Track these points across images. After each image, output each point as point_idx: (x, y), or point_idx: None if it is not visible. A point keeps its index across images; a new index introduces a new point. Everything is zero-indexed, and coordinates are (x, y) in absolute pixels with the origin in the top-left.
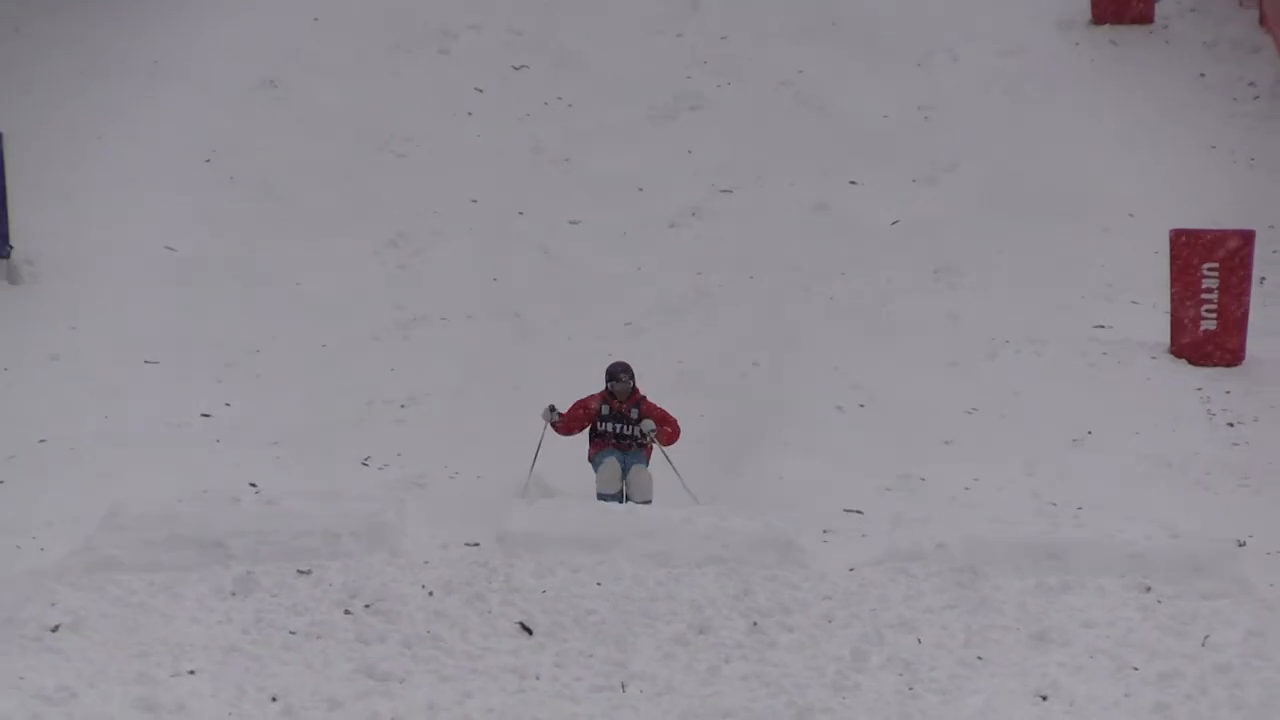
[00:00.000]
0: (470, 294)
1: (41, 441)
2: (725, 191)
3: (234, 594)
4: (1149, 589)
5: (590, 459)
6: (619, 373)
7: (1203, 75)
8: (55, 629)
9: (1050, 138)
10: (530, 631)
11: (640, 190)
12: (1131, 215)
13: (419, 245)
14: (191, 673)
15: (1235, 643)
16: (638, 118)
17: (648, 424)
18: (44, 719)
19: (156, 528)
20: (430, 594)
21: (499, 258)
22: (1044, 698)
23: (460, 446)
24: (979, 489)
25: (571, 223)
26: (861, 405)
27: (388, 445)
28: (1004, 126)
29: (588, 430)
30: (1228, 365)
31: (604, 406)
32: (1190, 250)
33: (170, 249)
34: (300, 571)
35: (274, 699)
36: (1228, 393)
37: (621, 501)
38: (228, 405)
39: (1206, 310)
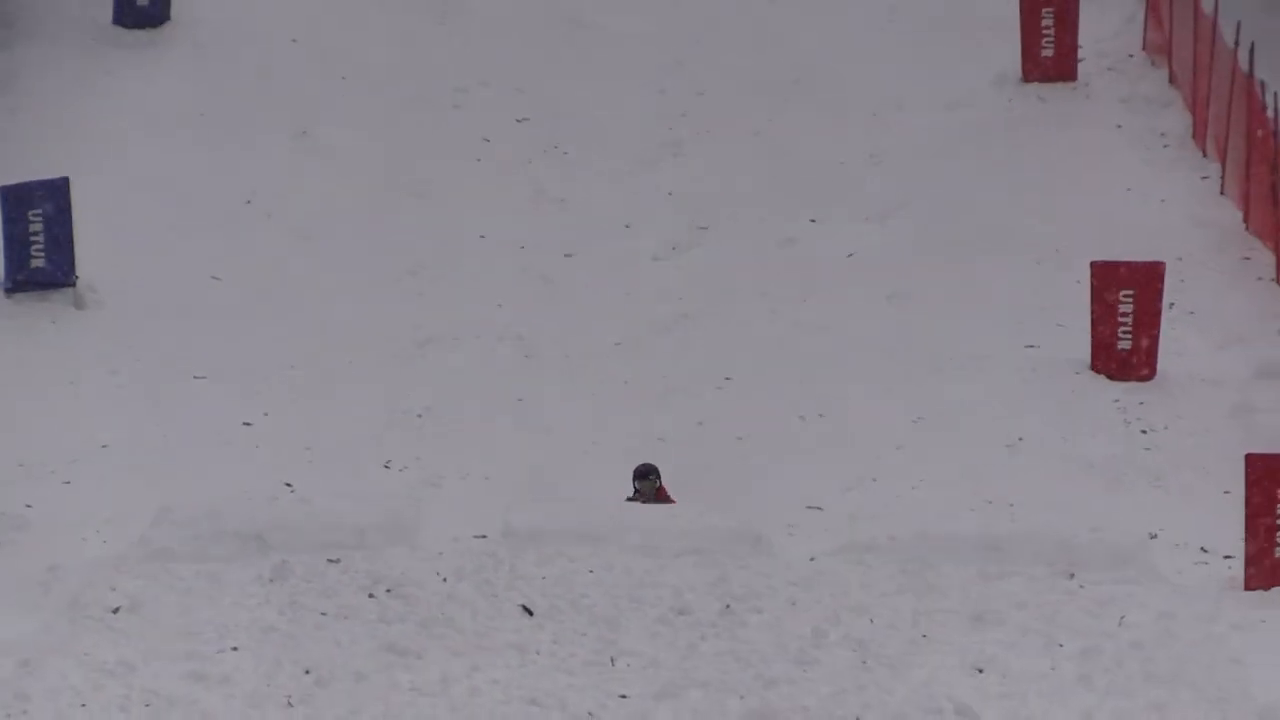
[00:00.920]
0: (479, 317)
1: (103, 447)
2: (702, 228)
3: (271, 580)
4: (1073, 576)
5: None
6: (647, 474)
7: (1119, 126)
8: (116, 611)
9: (986, 181)
10: (531, 613)
11: (627, 227)
12: (1057, 250)
13: (434, 275)
14: (235, 649)
15: (1147, 622)
16: (626, 163)
17: None
18: (106, 689)
19: (204, 523)
20: (444, 580)
21: (504, 286)
22: (980, 670)
23: (470, 451)
24: (925, 489)
25: (567, 255)
26: (821, 415)
27: (407, 450)
28: (946, 171)
29: None
30: (1141, 380)
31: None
32: (1108, 279)
33: (215, 278)
34: (330, 561)
35: (307, 671)
36: (1141, 404)
37: None
38: (265, 415)
39: (1123, 332)
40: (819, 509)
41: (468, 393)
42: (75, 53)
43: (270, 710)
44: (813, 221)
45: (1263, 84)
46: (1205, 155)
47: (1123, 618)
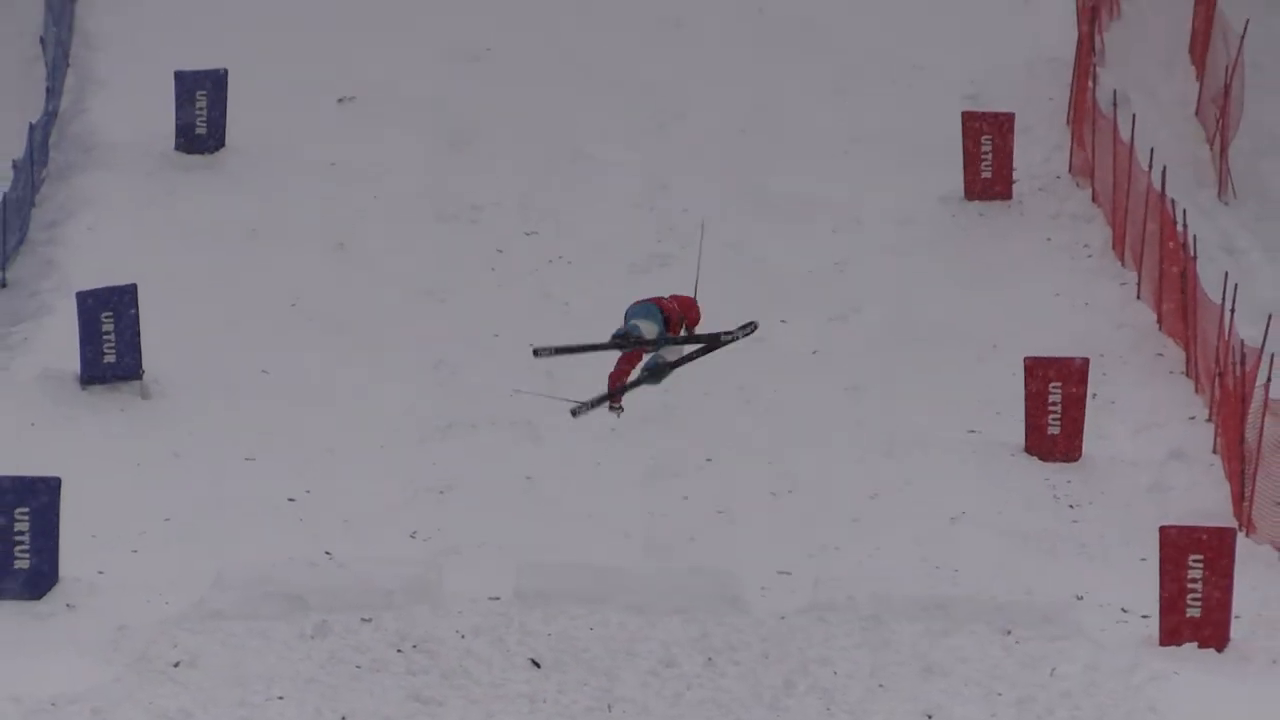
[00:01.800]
0: (494, 406)
1: (166, 519)
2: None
3: (313, 637)
4: (1009, 633)
5: None
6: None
7: (1049, 239)
8: (177, 665)
9: (934, 286)
10: (539, 665)
11: None
12: (995, 346)
13: (455, 368)
14: (280, 698)
15: (1075, 674)
16: (620, 272)
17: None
18: None
19: (254, 586)
20: (462, 637)
21: (515, 377)
22: (930, 717)
23: (486, 522)
24: (880, 555)
25: None
26: (790, 491)
27: (430, 522)
28: (899, 277)
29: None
30: (1069, 461)
31: None
32: (1040, 373)
33: (264, 372)
34: (363, 619)
35: (343, 718)
36: (1069, 482)
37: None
38: (307, 492)
39: (1052, 419)
40: (788, 573)
41: (484, 471)
42: (143, 175)
43: None
44: (783, 322)
45: (1173, 201)
46: (1124, 264)
47: (1053, 670)
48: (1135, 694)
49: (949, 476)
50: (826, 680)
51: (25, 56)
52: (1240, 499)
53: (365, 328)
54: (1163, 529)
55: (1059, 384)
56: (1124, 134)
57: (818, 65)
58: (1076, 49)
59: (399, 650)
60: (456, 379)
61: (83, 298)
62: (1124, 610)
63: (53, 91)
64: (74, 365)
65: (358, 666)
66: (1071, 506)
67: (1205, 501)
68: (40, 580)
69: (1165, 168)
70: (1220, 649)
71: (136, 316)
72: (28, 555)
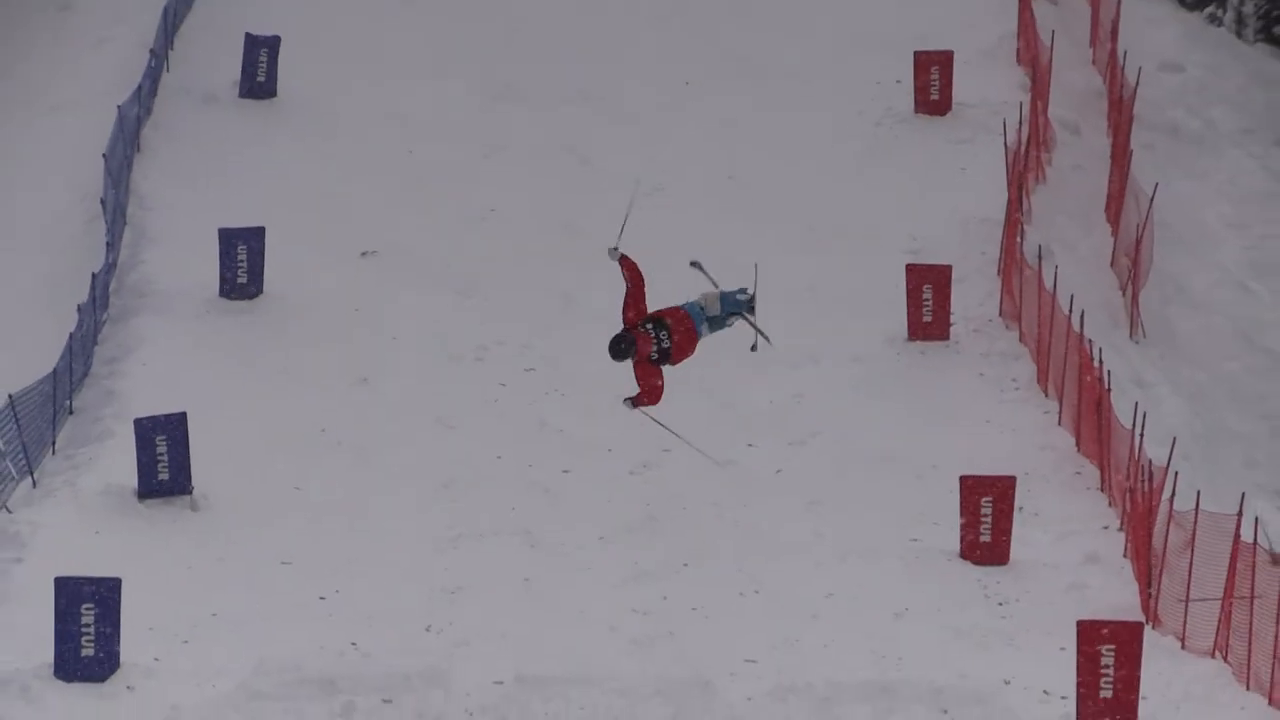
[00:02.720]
0: (497, 519)
1: (213, 615)
2: (666, 450)
3: (341, 716)
4: (946, 712)
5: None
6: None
7: (982, 374)
8: None
9: (881, 416)
10: None
11: (610, 450)
12: (934, 466)
13: (463, 488)
14: None
15: None
16: (607, 402)
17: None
18: None
19: (290, 672)
20: (470, 715)
21: (516, 495)
22: None
23: (491, 619)
24: (834, 647)
25: (564, 471)
26: (756, 591)
27: (443, 618)
28: (851, 408)
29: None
30: (998, 565)
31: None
32: (974, 489)
33: (297, 489)
34: (384, 700)
35: None
36: (998, 583)
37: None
38: (336, 592)
39: (984, 528)
40: (754, 661)
41: (489, 576)
42: (191, 317)
43: None
44: (750, 446)
45: (1090, 341)
46: (1047, 395)
47: None
48: None
49: (894, 578)
50: None
51: (88, 215)
52: (1147, 597)
53: (385, 453)
54: (1080, 622)
55: (990, 498)
56: (1048, 283)
57: (781, 225)
58: (1006, 210)
59: None
60: (465, 496)
61: (140, 423)
62: (1046, 692)
63: (111, 246)
64: (132, 482)
65: None
66: (1000, 604)
67: (1117, 599)
68: (104, 666)
69: (1084, 311)
70: None
71: (186, 440)
72: (93, 644)
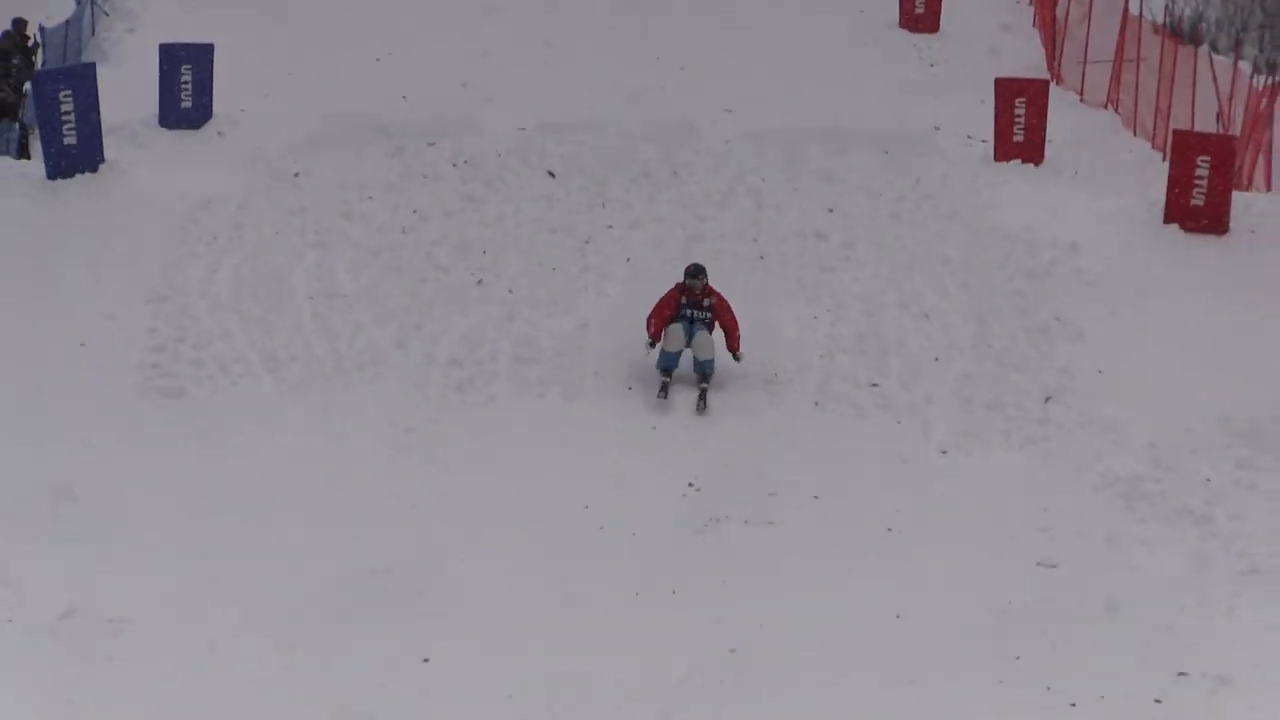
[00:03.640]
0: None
1: (289, 74)
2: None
3: (393, 156)
4: (887, 152)
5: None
6: (697, 272)
7: None
8: (296, 175)
9: None
10: (554, 175)
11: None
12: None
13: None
14: (370, 198)
15: (934, 182)
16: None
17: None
18: (290, 223)
19: (351, 120)
20: (499, 155)
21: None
22: (830, 210)
23: (516, 81)
24: (799, 100)
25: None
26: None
27: (476, 76)
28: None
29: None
30: (930, 33)
31: (682, 296)
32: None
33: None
34: (429, 144)
35: (414, 210)
36: (931, 47)
37: (678, 361)
38: (390, 54)
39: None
40: (730, 111)
41: (513, 42)
42: None
43: (393, 234)
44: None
45: None
46: None
47: (919, 179)
48: (977, 194)
49: (839, 48)
50: (757, 185)
51: None
52: (1052, 59)
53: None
54: (997, 80)
55: None
56: None
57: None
58: None
59: (454, 165)
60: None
61: None
62: (969, 136)
63: None
64: None
65: (425, 176)
66: (932, 65)
67: (1028, 60)
68: (199, 115)
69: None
70: (1038, 164)
71: None
72: (190, 96)
